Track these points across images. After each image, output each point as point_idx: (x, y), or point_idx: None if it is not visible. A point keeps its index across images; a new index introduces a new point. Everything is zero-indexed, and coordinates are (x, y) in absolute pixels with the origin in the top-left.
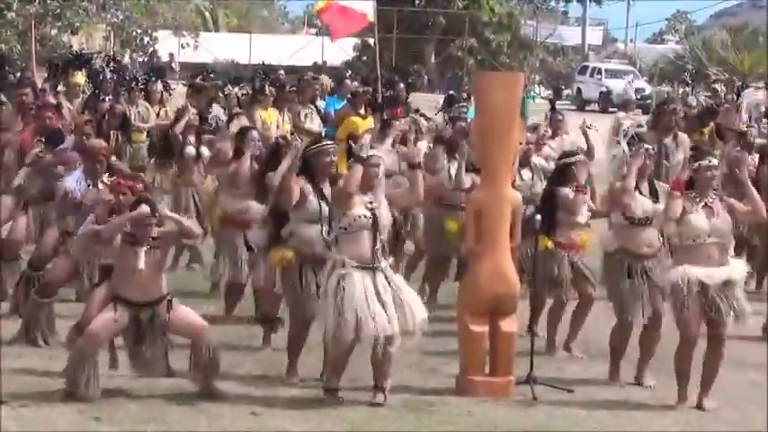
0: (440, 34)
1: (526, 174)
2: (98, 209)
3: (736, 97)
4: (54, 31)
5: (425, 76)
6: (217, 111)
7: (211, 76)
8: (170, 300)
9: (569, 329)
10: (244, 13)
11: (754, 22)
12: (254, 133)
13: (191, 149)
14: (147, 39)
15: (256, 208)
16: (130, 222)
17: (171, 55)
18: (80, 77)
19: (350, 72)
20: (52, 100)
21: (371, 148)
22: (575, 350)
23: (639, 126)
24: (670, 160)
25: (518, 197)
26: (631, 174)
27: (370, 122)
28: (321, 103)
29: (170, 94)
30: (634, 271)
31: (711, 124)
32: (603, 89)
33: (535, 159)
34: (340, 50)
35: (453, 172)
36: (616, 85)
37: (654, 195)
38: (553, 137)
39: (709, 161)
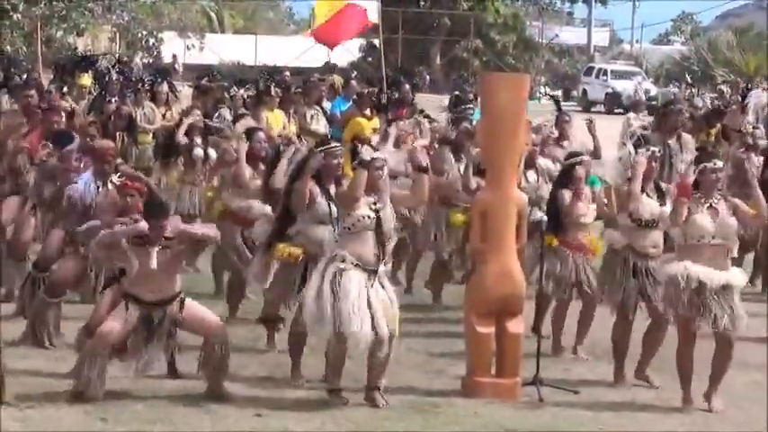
0: (445, 35)
1: (531, 176)
2: (106, 212)
3: (741, 99)
4: (59, 33)
5: (427, 77)
6: (224, 112)
7: (217, 77)
8: (182, 298)
9: (576, 332)
10: (249, 14)
11: (759, 23)
12: (261, 134)
13: (199, 151)
14: (152, 40)
15: (258, 207)
16: (133, 233)
17: (174, 56)
18: (86, 79)
19: (355, 73)
20: (64, 104)
21: (376, 149)
22: (580, 352)
23: (644, 129)
24: (674, 161)
25: (524, 198)
26: (637, 179)
27: (375, 123)
28: (327, 105)
29: (176, 97)
30: (639, 270)
31: (717, 125)
32: (609, 90)
33: (541, 161)
34: (346, 52)
35: (456, 172)
36: (621, 86)
37: (660, 197)
38: (560, 138)
39: (714, 163)
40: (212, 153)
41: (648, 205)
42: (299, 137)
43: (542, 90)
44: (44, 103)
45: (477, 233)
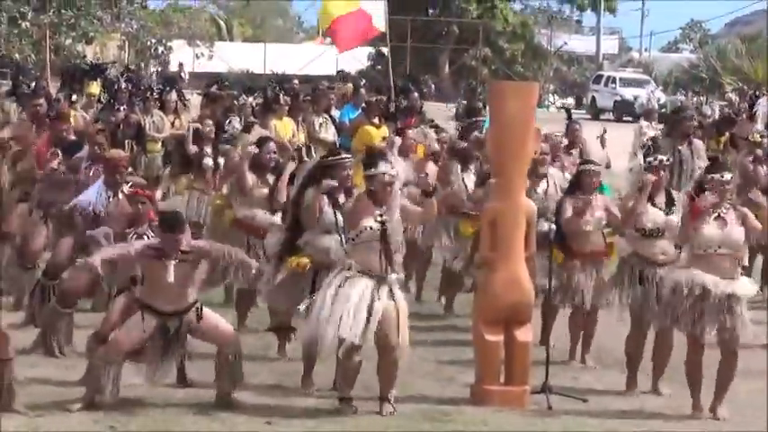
0: (454, 43)
1: (541, 186)
2: (116, 221)
3: (749, 107)
4: (68, 41)
5: (432, 85)
6: (234, 122)
7: (226, 84)
8: (199, 307)
9: (583, 341)
10: (258, 22)
11: None
12: (272, 145)
13: (208, 160)
14: (161, 48)
15: (262, 216)
16: (145, 251)
17: (180, 65)
18: (95, 87)
19: (364, 81)
20: (73, 112)
21: (388, 160)
22: (588, 360)
23: (654, 141)
24: (685, 168)
25: (533, 206)
26: (643, 199)
27: (384, 132)
28: (336, 113)
29: (185, 105)
30: (646, 278)
31: (727, 134)
32: (618, 98)
33: (551, 170)
34: (354, 60)
35: (468, 182)
36: (631, 94)
37: (669, 206)
38: (570, 146)
39: (722, 176)
40: (222, 162)
41: (652, 215)
42: (307, 145)
43: (551, 98)
44: (52, 112)
45: (486, 241)
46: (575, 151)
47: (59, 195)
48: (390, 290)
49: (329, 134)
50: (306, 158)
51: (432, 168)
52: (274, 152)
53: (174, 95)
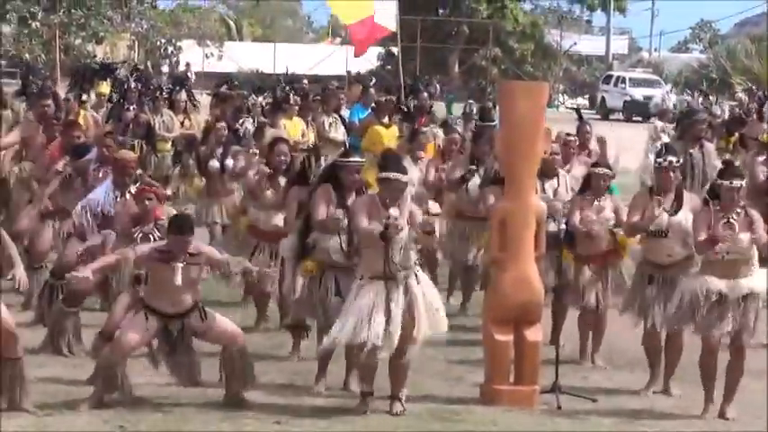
0: (464, 43)
1: (551, 186)
2: (123, 221)
3: (759, 107)
4: (78, 41)
5: (437, 85)
6: (247, 123)
7: (235, 84)
8: (201, 308)
9: (592, 342)
10: (268, 22)
11: None
12: (284, 147)
13: (214, 162)
14: (171, 48)
15: (265, 217)
16: (153, 254)
17: (188, 64)
18: (105, 87)
19: (374, 80)
20: (83, 112)
21: (403, 165)
22: (598, 360)
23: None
24: (696, 171)
25: (543, 206)
26: (643, 223)
27: (393, 131)
28: (345, 113)
29: (195, 105)
30: (656, 281)
31: (737, 134)
32: (628, 98)
33: (562, 172)
34: (364, 60)
35: (472, 186)
36: (641, 94)
37: (676, 208)
38: (581, 148)
39: (731, 182)
40: (229, 164)
41: (654, 215)
42: (316, 145)
43: (561, 98)
44: (60, 113)
45: (495, 241)
46: (583, 157)
47: (67, 197)
48: (407, 287)
49: (339, 134)
50: (315, 161)
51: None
52: (285, 155)
53: (183, 95)
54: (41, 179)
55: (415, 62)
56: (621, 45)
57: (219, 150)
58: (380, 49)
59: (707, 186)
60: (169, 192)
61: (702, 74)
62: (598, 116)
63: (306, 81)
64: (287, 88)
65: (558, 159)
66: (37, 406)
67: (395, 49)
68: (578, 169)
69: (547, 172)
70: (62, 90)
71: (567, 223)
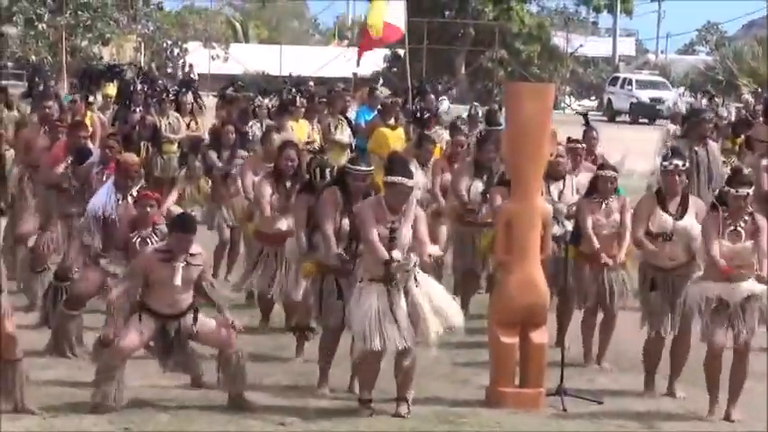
0: (470, 45)
1: (556, 188)
2: (126, 226)
3: (765, 108)
4: (84, 43)
5: (438, 86)
6: (255, 128)
7: (241, 86)
8: (196, 310)
9: (599, 345)
10: (274, 24)
11: None
12: (292, 152)
13: (218, 167)
14: (177, 50)
15: (281, 223)
16: (152, 256)
17: (190, 66)
18: (111, 89)
19: (382, 81)
20: (89, 113)
21: (409, 169)
22: (604, 363)
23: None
24: (701, 170)
25: (549, 208)
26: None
27: (399, 133)
28: (352, 114)
29: (201, 107)
30: (658, 284)
31: (743, 136)
32: (634, 100)
33: (568, 177)
34: (370, 62)
35: (474, 191)
36: (645, 96)
37: (682, 212)
38: (588, 153)
39: (737, 191)
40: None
41: (659, 218)
42: (322, 147)
43: (568, 100)
44: (63, 115)
45: (501, 243)
46: (587, 163)
47: (69, 201)
48: (407, 290)
49: (344, 136)
50: (321, 174)
51: (447, 177)
52: (293, 159)
53: (189, 97)
54: (45, 181)
55: (421, 64)
56: (628, 47)
57: (227, 154)
58: (387, 51)
59: (712, 185)
60: (175, 194)
61: (709, 76)
62: (604, 118)
63: (312, 83)
64: (293, 90)
65: (564, 161)
66: (41, 407)
67: (401, 51)
68: (584, 176)
69: (553, 174)
70: (67, 92)
71: (575, 226)
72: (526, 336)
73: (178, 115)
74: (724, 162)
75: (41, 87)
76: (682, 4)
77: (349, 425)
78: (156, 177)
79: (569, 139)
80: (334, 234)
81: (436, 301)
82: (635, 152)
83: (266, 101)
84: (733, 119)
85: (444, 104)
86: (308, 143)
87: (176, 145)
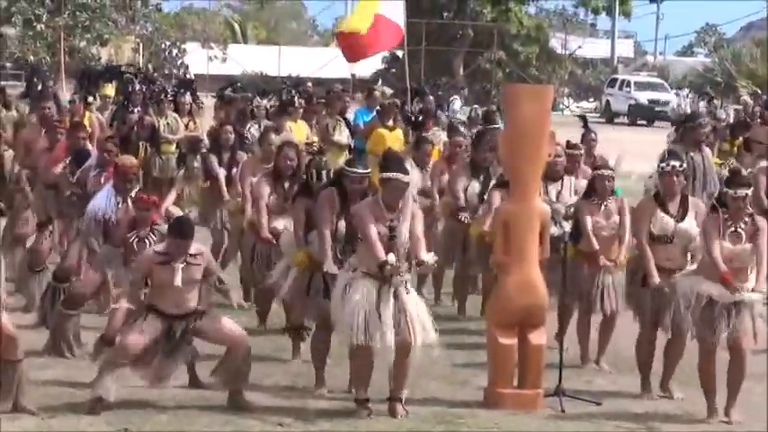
0: (468, 46)
1: (554, 189)
2: (125, 229)
3: (763, 110)
4: (83, 43)
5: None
6: (253, 129)
7: (239, 87)
8: (203, 310)
9: (598, 346)
10: (273, 25)
11: None
12: (291, 152)
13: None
14: (175, 51)
15: (278, 223)
16: (152, 257)
17: (186, 66)
18: (110, 89)
19: (380, 82)
20: (88, 113)
21: (404, 166)
22: (603, 363)
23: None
24: (697, 174)
25: (547, 209)
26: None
27: (398, 134)
28: (350, 115)
29: (199, 108)
30: (649, 283)
31: (741, 138)
32: (632, 102)
33: (566, 179)
34: (369, 63)
35: (470, 191)
36: (643, 98)
37: (682, 214)
38: (586, 155)
39: (735, 192)
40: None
41: (660, 221)
42: (320, 148)
43: (566, 101)
44: (62, 116)
45: (500, 244)
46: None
47: (68, 202)
48: (396, 292)
49: (343, 137)
50: (317, 176)
51: (446, 179)
52: (292, 159)
53: (188, 97)
54: (43, 181)
55: (419, 65)
56: (626, 48)
57: (227, 156)
58: (385, 53)
59: (708, 190)
60: (174, 194)
61: (707, 78)
62: (603, 120)
63: (310, 84)
64: (292, 92)
65: (562, 161)
66: (39, 408)
67: (399, 53)
68: (583, 181)
69: (551, 175)
70: (67, 92)
71: (574, 226)
72: (524, 337)
73: (176, 116)
74: (722, 164)
75: (40, 88)
76: (680, 6)
77: (348, 425)
78: (155, 178)
79: (568, 144)
80: (330, 236)
81: (421, 313)
82: (633, 154)
83: (264, 102)
84: (731, 121)
85: (456, 104)
86: (307, 144)
87: (174, 145)
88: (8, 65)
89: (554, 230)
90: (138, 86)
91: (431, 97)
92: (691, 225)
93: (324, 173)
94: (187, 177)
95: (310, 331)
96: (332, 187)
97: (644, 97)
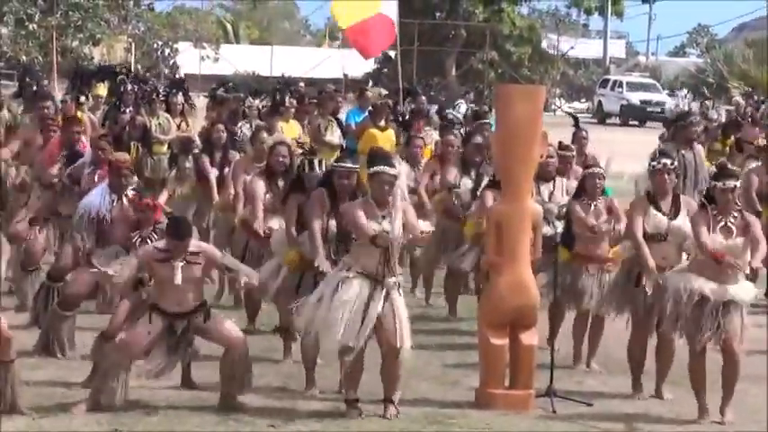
0: (461, 47)
1: (546, 189)
2: (120, 226)
3: (754, 110)
4: (75, 43)
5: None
6: (245, 129)
7: (231, 86)
8: (208, 309)
9: (588, 346)
10: (265, 25)
11: None
12: (283, 149)
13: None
14: (168, 51)
15: (272, 222)
16: (152, 254)
17: (177, 66)
18: (102, 89)
19: (371, 84)
20: (80, 114)
21: (391, 161)
22: (593, 364)
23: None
24: (689, 173)
25: (539, 210)
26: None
27: (390, 135)
28: (342, 115)
29: (192, 108)
30: (644, 282)
31: (732, 137)
32: (624, 102)
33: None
34: (361, 63)
35: (462, 187)
36: (635, 98)
37: (675, 212)
38: (578, 153)
39: (724, 184)
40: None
41: (653, 219)
42: (312, 147)
43: (558, 102)
44: (55, 115)
45: (492, 245)
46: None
47: (62, 203)
48: (388, 292)
49: (334, 137)
50: (310, 166)
51: (437, 179)
52: (284, 156)
53: (180, 98)
54: (41, 180)
55: (412, 65)
56: (618, 49)
57: (219, 155)
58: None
59: (699, 188)
60: (165, 194)
61: (700, 78)
62: (595, 120)
63: (302, 84)
64: (285, 90)
65: (554, 162)
66: (31, 408)
67: (392, 53)
68: (575, 182)
69: (543, 175)
70: (59, 92)
71: (566, 226)
72: (516, 337)
73: (168, 116)
74: (713, 164)
75: (36, 87)
76: (672, 6)
77: (339, 426)
78: (147, 178)
79: (560, 145)
80: (321, 235)
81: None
82: (624, 154)
83: (257, 102)
84: (723, 121)
85: (462, 107)
86: (298, 144)
87: (166, 146)
88: (0, 64)
89: (547, 230)
90: (129, 86)
91: (423, 97)
92: (684, 222)
93: (316, 162)
94: (179, 178)
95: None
96: (322, 188)
97: (636, 98)
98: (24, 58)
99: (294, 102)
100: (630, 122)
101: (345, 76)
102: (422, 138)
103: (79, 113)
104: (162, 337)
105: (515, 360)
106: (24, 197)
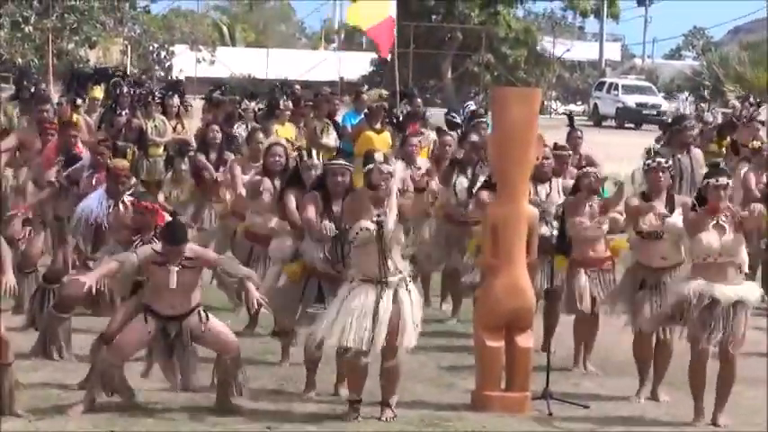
0: (457, 49)
1: (543, 190)
2: (121, 232)
3: (749, 113)
4: (71, 46)
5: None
6: (240, 130)
7: (227, 89)
8: (201, 312)
9: (584, 347)
10: (261, 27)
11: None
12: (279, 149)
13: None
14: (163, 53)
15: (261, 221)
16: (148, 257)
17: (170, 68)
18: (98, 92)
19: (366, 87)
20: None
21: (386, 158)
22: (590, 366)
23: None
24: (684, 176)
25: (535, 212)
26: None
27: (386, 137)
28: (338, 118)
29: (187, 110)
30: (647, 284)
31: (728, 138)
32: (620, 105)
33: (555, 180)
34: (357, 65)
35: (459, 186)
36: (631, 101)
37: (669, 210)
38: (573, 152)
39: (717, 180)
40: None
41: (648, 217)
42: (308, 150)
43: (554, 105)
44: (54, 117)
45: (487, 247)
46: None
47: (60, 205)
48: (396, 292)
49: (330, 140)
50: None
51: (425, 163)
52: (280, 155)
53: (176, 100)
54: (39, 183)
55: (408, 68)
56: (614, 52)
57: (214, 155)
58: (373, 55)
59: (694, 191)
60: (161, 197)
61: (695, 81)
62: (591, 123)
63: (298, 86)
64: (282, 93)
65: (550, 163)
66: (28, 410)
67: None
68: (571, 182)
69: (539, 176)
70: (55, 94)
71: (560, 228)
72: (512, 340)
73: (164, 118)
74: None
75: (33, 90)
76: (668, 9)
77: (335, 428)
78: (142, 181)
79: (556, 146)
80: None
81: (415, 316)
82: (620, 157)
83: (253, 104)
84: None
85: (471, 108)
86: (295, 148)
87: (162, 148)
88: None
89: (545, 230)
90: (125, 89)
91: (419, 100)
92: (678, 219)
93: (314, 153)
94: (175, 180)
95: (297, 336)
96: (315, 191)
97: (632, 100)
98: (20, 60)
99: (289, 104)
100: (626, 125)
101: (341, 78)
102: (417, 137)
103: (75, 116)
104: (155, 339)
105: (511, 362)
106: (21, 200)
